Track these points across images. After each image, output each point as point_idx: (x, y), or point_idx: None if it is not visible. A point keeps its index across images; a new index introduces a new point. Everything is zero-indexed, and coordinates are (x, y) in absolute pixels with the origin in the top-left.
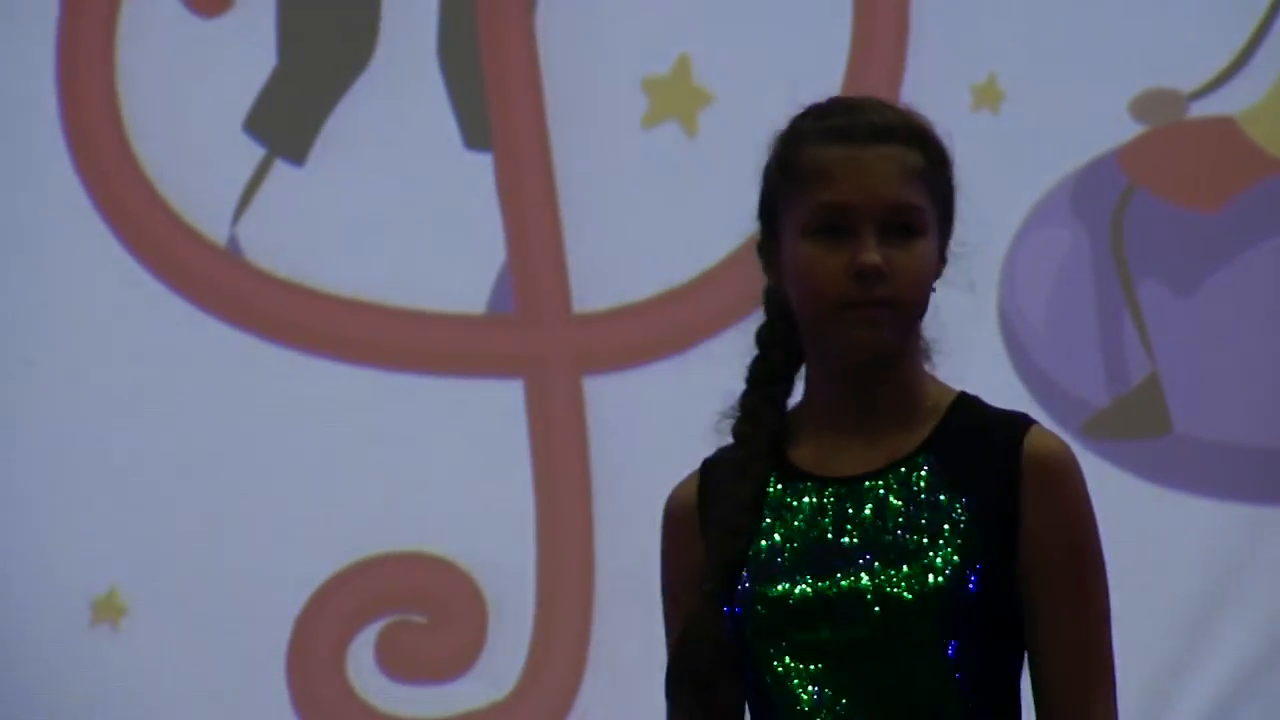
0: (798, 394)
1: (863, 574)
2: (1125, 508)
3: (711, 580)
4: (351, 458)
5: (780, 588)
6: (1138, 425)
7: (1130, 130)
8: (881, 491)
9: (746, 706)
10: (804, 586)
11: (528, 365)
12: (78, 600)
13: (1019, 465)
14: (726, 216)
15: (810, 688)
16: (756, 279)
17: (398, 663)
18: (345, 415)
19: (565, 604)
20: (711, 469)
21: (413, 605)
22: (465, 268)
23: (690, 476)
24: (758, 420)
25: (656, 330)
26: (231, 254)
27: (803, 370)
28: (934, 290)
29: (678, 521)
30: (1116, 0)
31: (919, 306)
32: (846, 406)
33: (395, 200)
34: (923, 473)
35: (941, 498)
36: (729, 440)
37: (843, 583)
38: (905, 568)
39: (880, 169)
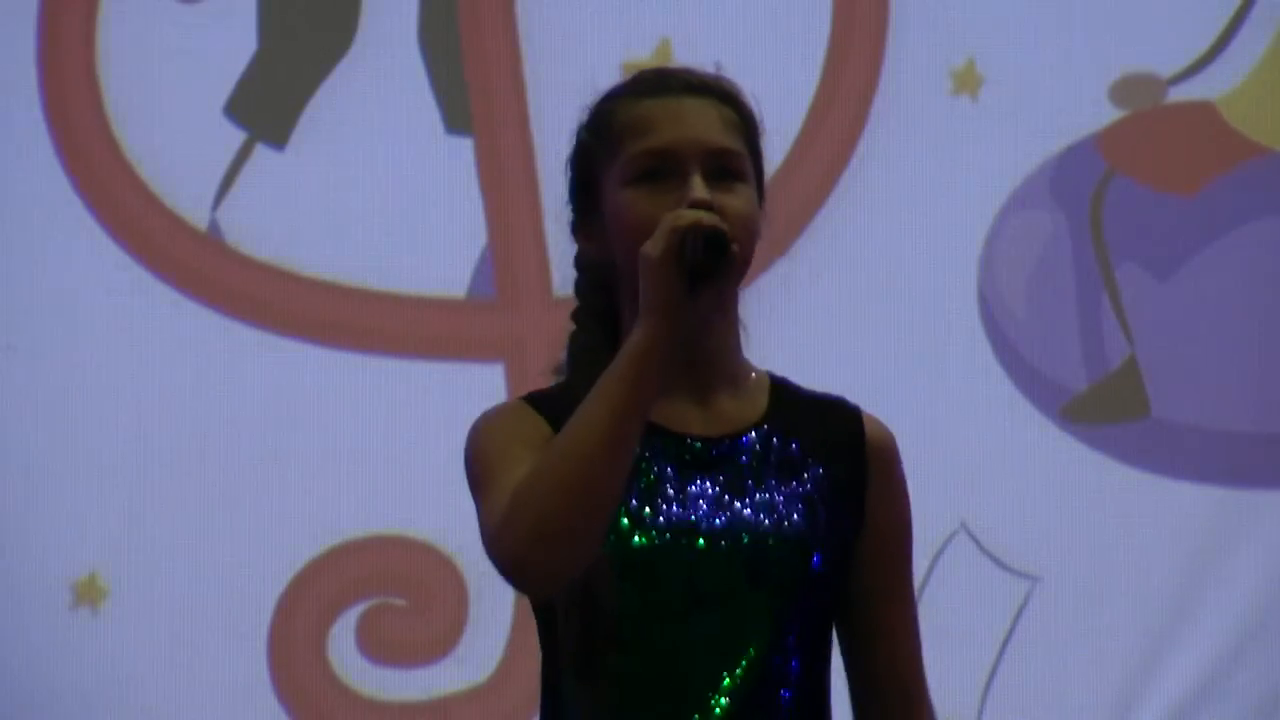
0: None
1: (732, 533)
2: (1103, 491)
3: None
4: (332, 441)
5: (638, 536)
6: (1116, 409)
7: (1109, 114)
8: (737, 455)
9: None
10: (672, 537)
11: (508, 349)
12: (58, 583)
13: (864, 450)
14: None
15: (655, 631)
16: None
17: (378, 646)
18: (326, 398)
19: None
20: (544, 403)
21: (393, 589)
22: (446, 252)
23: (511, 403)
24: (592, 369)
25: None
26: (212, 238)
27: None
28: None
29: (520, 416)
30: None
31: (750, 251)
32: (676, 363)
33: (376, 184)
34: (772, 440)
35: (795, 468)
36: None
37: (714, 540)
38: (767, 531)
39: (699, 115)
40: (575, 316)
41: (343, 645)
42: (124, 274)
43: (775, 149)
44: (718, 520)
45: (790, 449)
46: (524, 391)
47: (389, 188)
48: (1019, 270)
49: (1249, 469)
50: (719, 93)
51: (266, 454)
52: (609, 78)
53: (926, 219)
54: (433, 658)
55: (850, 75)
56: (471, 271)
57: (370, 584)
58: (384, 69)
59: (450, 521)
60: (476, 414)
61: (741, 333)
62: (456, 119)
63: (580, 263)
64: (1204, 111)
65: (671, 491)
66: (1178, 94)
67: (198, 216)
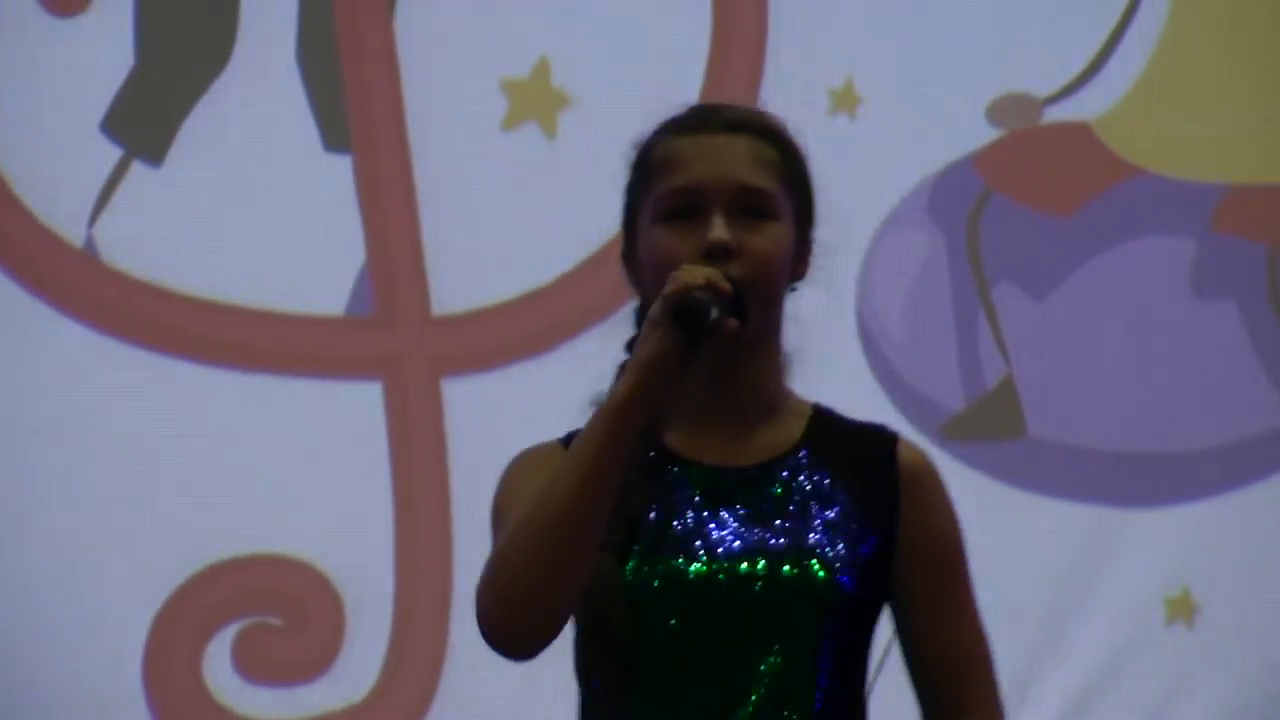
0: None
1: (754, 560)
2: (981, 509)
3: (614, 533)
4: (209, 459)
5: (674, 563)
6: (993, 428)
7: (986, 135)
8: (766, 483)
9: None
10: (697, 565)
11: (386, 367)
12: None
13: (896, 474)
14: (586, 218)
15: (677, 660)
16: (616, 281)
17: (254, 665)
18: (203, 416)
19: (422, 607)
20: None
21: (270, 607)
22: (324, 269)
23: (549, 443)
24: None
25: (515, 332)
26: (88, 255)
27: None
28: (793, 289)
29: (545, 460)
30: (973, 6)
31: (772, 290)
32: (712, 396)
33: (254, 201)
34: (803, 468)
35: (823, 495)
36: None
37: (736, 566)
38: (792, 557)
39: (730, 153)
40: (629, 347)
41: (218, 665)
42: None
43: None
44: (738, 548)
45: (818, 476)
46: (405, 408)
47: (266, 205)
48: (897, 290)
49: (1123, 487)
50: (758, 129)
51: (142, 471)
52: (488, 96)
53: None
54: (310, 676)
55: (729, 94)
56: (350, 289)
57: (246, 603)
58: (262, 85)
59: (327, 540)
60: (353, 431)
61: (785, 362)
62: (335, 136)
63: (638, 303)
64: (1079, 132)
65: (693, 522)
66: (1053, 114)
67: (73, 233)
